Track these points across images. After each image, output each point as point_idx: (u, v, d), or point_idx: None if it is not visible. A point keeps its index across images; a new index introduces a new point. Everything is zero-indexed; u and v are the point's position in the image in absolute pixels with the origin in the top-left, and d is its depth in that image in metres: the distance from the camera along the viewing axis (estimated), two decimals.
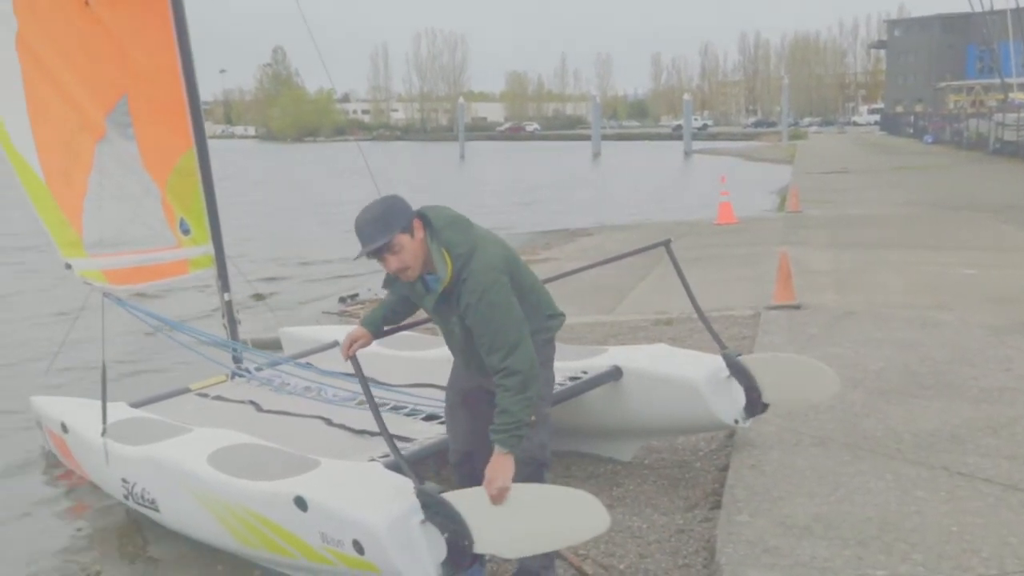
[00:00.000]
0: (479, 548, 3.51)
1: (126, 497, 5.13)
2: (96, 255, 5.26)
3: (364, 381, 3.93)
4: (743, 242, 14.19)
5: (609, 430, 5.36)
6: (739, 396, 4.96)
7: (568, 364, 5.35)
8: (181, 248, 5.92)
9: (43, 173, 5.31)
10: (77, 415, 5.69)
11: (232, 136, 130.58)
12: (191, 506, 4.59)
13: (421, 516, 3.63)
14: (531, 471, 3.67)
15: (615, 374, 5.20)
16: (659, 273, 11.31)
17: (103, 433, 5.20)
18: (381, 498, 3.74)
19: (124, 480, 5.11)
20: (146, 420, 5.44)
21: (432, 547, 3.63)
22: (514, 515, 3.48)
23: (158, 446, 4.89)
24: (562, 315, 3.90)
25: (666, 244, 5.36)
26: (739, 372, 4.92)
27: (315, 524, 3.91)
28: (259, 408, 5.70)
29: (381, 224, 3.43)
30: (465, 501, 3.54)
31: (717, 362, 5.11)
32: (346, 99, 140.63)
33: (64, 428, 5.78)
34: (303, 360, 6.35)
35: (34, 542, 5.22)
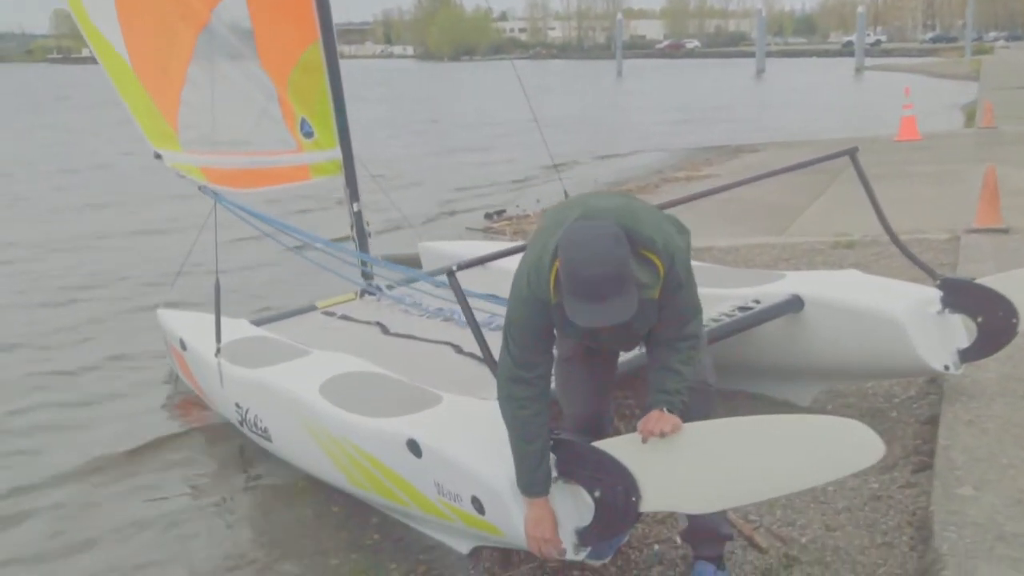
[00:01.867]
0: (649, 505, 2.82)
1: (240, 423, 4.69)
2: (194, 151, 4.72)
3: (466, 306, 3.33)
4: (930, 159, 12.75)
5: (785, 370, 4.53)
6: (954, 335, 4.05)
7: (737, 291, 4.54)
8: (303, 152, 5.35)
9: (130, 58, 4.80)
10: (196, 332, 5.28)
11: (391, 56, 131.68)
12: (302, 438, 4.09)
13: (554, 473, 2.96)
14: (703, 399, 2.95)
15: (794, 304, 4.35)
16: (836, 191, 10.21)
17: (217, 353, 4.75)
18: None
19: (238, 405, 4.67)
20: (264, 340, 4.97)
21: (573, 508, 2.98)
22: (694, 461, 2.76)
23: (271, 370, 4.40)
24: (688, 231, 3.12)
25: (851, 153, 4.43)
26: (975, 297, 3.99)
27: (430, 473, 3.30)
28: (385, 330, 5.15)
29: (623, 282, 2.53)
30: (623, 448, 2.84)
31: (925, 294, 4.19)
32: (503, 18, 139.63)
33: (183, 345, 5.39)
34: (441, 278, 5.74)
35: (145, 473, 4.86)
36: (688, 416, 2.75)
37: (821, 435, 2.66)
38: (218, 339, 4.76)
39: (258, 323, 5.44)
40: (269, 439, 4.46)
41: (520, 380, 2.87)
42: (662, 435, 2.70)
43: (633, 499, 2.82)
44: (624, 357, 3.32)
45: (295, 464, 4.35)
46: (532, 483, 2.88)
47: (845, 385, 4.68)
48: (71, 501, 4.56)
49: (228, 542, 4.08)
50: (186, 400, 5.67)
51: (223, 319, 5.45)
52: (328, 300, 5.80)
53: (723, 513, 3.09)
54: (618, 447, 2.86)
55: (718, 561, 3.09)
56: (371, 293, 5.80)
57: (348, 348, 4.60)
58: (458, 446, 3.22)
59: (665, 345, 2.82)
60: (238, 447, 4.89)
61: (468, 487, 3.14)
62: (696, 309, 2.84)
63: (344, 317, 5.50)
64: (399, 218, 7.74)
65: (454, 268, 3.50)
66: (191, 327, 5.42)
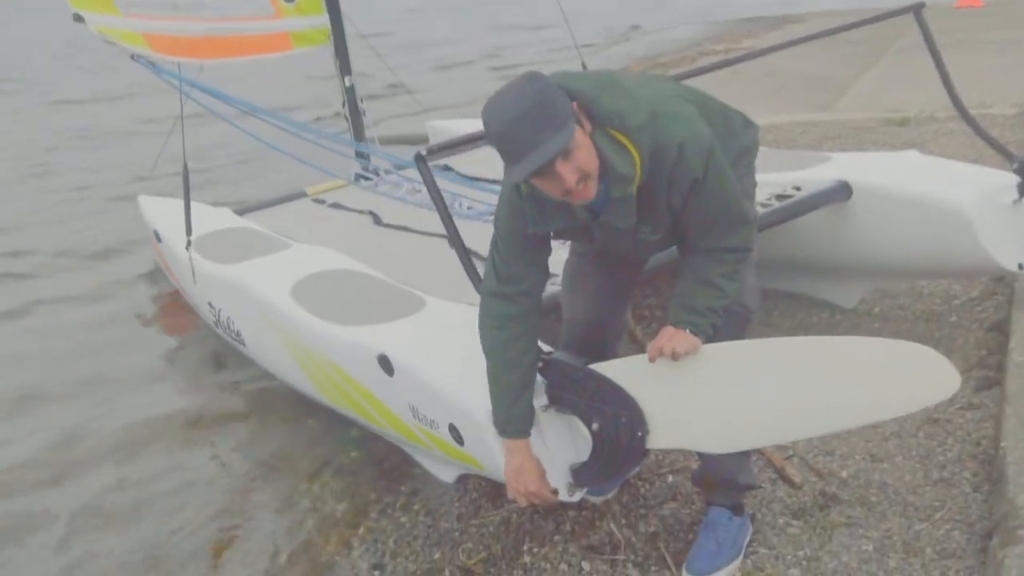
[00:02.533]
0: (658, 441, 2.32)
1: (216, 324, 4.23)
2: (136, 15, 4.09)
3: (437, 194, 2.82)
4: (993, 27, 11.69)
5: (828, 267, 3.95)
6: None
7: (776, 176, 3.92)
8: (281, 18, 4.71)
9: None
10: (174, 222, 4.77)
11: None
12: (274, 345, 3.61)
13: (544, 401, 2.45)
14: (737, 324, 2.37)
15: (841, 192, 3.73)
16: (889, 63, 9.36)
17: (188, 246, 4.25)
18: None
19: (211, 305, 4.20)
20: (243, 231, 4.46)
21: (568, 441, 2.49)
22: (716, 389, 2.21)
23: (244, 266, 3.90)
24: (756, 126, 2.51)
25: (916, 10, 3.71)
26: None
27: (403, 394, 2.81)
28: (378, 220, 4.61)
29: (546, 118, 1.95)
30: (629, 372, 2.31)
31: (997, 180, 3.55)
32: None
33: (158, 237, 4.91)
34: (441, 162, 5.17)
35: (108, 382, 4.44)
36: (717, 340, 2.20)
37: (879, 362, 2.09)
38: (188, 231, 4.24)
39: (241, 212, 4.92)
40: (243, 343, 3.99)
41: (502, 296, 2.34)
42: (674, 356, 2.15)
43: (639, 434, 2.31)
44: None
45: (270, 371, 3.90)
46: (509, 420, 2.37)
47: (896, 284, 4.09)
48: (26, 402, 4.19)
49: (186, 459, 3.65)
50: (167, 296, 5.22)
51: (202, 208, 4.97)
52: (319, 186, 5.24)
53: (746, 456, 2.57)
54: (622, 370, 2.33)
55: (736, 508, 2.59)
56: (366, 179, 5.24)
57: (335, 240, 4.09)
58: (435, 365, 2.71)
59: (705, 253, 2.23)
60: (212, 351, 4.44)
61: (444, 413, 2.65)
62: (743, 218, 2.22)
63: (335, 205, 4.96)
64: (402, 91, 7.08)
65: (422, 152, 2.93)
66: (168, 217, 4.92)
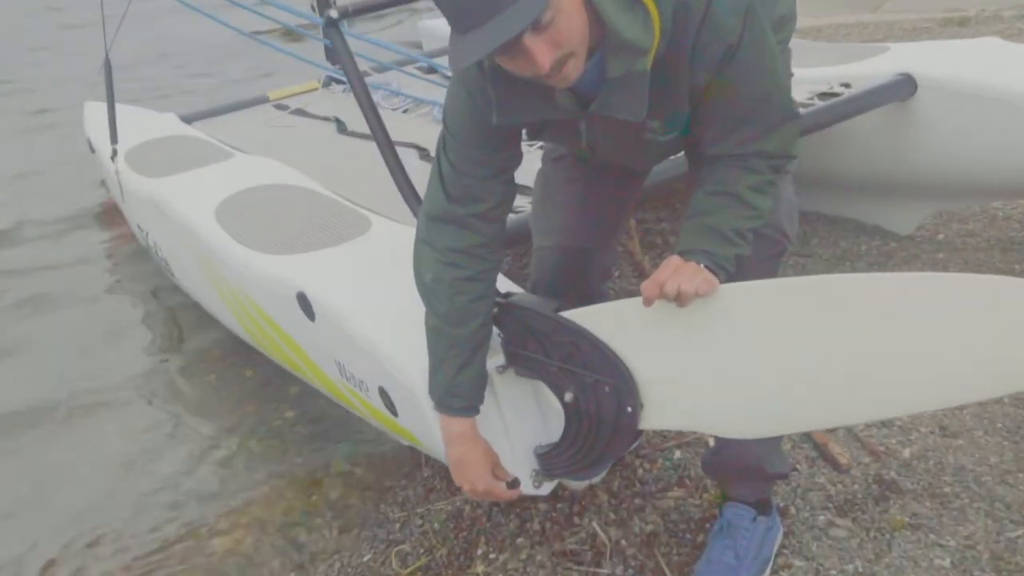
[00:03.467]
0: (655, 420, 1.64)
1: (147, 250, 3.59)
2: None
3: (351, 64, 2.12)
4: None
5: (882, 183, 3.20)
6: None
7: (818, 72, 3.18)
8: None
9: None
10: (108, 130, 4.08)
11: None
12: (199, 275, 2.96)
13: (500, 360, 1.78)
14: (769, 256, 1.66)
15: (902, 88, 2.96)
16: None
17: (112, 156, 3.59)
18: None
19: (139, 227, 3.55)
20: (183, 140, 3.77)
21: (533, 417, 1.83)
22: (737, 348, 1.50)
23: (169, 181, 3.22)
24: None
25: None
26: None
27: (327, 345, 2.15)
28: (342, 128, 3.89)
29: None
30: (618, 321, 1.61)
31: None
32: None
33: (91, 146, 4.23)
34: (431, 61, 4.43)
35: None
36: (741, 278, 1.49)
37: (981, 307, 1.38)
38: (113, 138, 3.58)
39: (189, 119, 4.21)
40: (172, 273, 3.35)
41: (452, 220, 1.65)
42: (681, 298, 1.44)
43: (628, 409, 1.62)
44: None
45: (203, 307, 3.25)
46: (452, 393, 1.69)
47: (965, 206, 3.35)
48: None
49: (104, 411, 3.02)
50: (107, 215, 4.57)
51: (142, 114, 4.30)
52: (283, 90, 4.52)
53: (777, 440, 1.90)
54: (608, 319, 1.63)
55: (761, 504, 1.92)
56: (338, 81, 4.50)
57: (288, 150, 3.40)
58: (362, 309, 2.03)
59: (731, 159, 1.52)
60: (152, 285, 3.78)
61: (373, 373, 1.98)
62: (786, 110, 1.52)
63: (299, 111, 4.24)
64: None
65: (333, 15, 2.22)
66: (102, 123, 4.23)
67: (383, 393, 1.95)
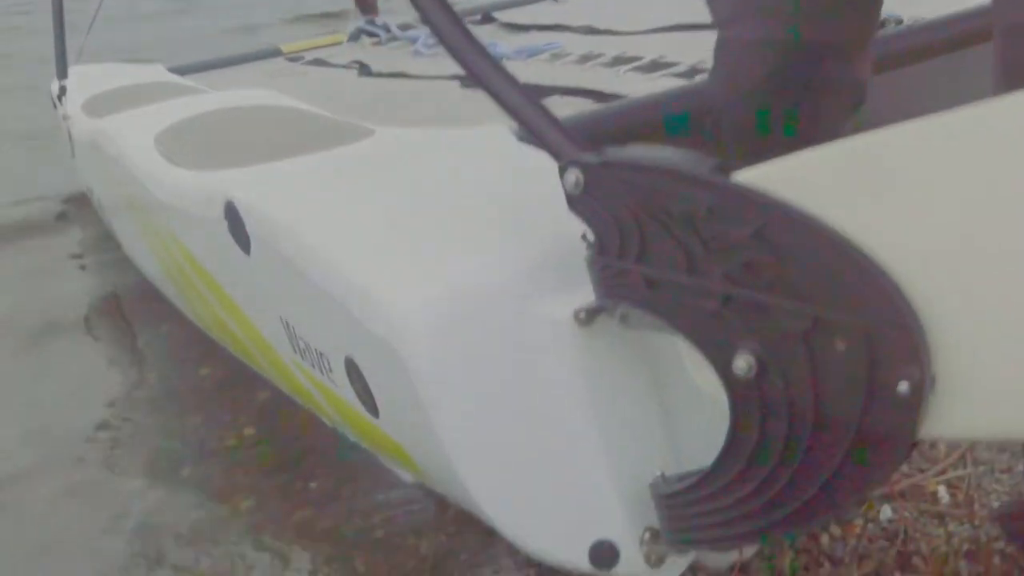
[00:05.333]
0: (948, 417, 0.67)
1: (99, 214, 2.74)
2: None
3: None
4: None
5: None
6: None
7: None
8: None
9: None
10: (77, 82, 3.24)
11: None
12: (129, 226, 2.11)
13: (585, 298, 0.82)
14: None
15: None
16: None
17: (59, 95, 2.76)
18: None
19: (88, 187, 2.73)
20: (159, 87, 2.91)
21: (636, 430, 0.87)
22: None
23: (119, 117, 2.35)
24: None
25: None
26: None
27: (269, 293, 1.22)
28: (366, 71, 3.00)
29: None
30: (874, 174, 0.65)
31: None
32: None
33: (53, 102, 3.40)
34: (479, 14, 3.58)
35: None
36: None
37: None
38: (61, 72, 2.75)
39: (183, 71, 3.35)
40: (113, 227, 2.49)
41: None
42: None
43: (901, 386, 0.67)
44: None
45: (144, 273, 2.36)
46: None
47: None
48: None
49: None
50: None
51: (122, 67, 3.48)
52: (300, 43, 3.67)
53: None
54: (854, 174, 0.68)
55: None
56: (371, 34, 3.62)
57: (290, 92, 2.52)
58: (326, 229, 1.09)
59: None
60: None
61: (337, 336, 1.04)
62: None
63: (315, 62, 3.37)
64: None
65: None
66: (77, 77, 3.40)
67: (351, 368, 1.01)
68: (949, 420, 0.68)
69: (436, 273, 0.91)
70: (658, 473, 0.87)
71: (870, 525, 1.24)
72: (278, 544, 1.50)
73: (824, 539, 1.22)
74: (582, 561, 0.87)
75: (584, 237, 0.82)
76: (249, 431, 1.87)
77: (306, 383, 1.21)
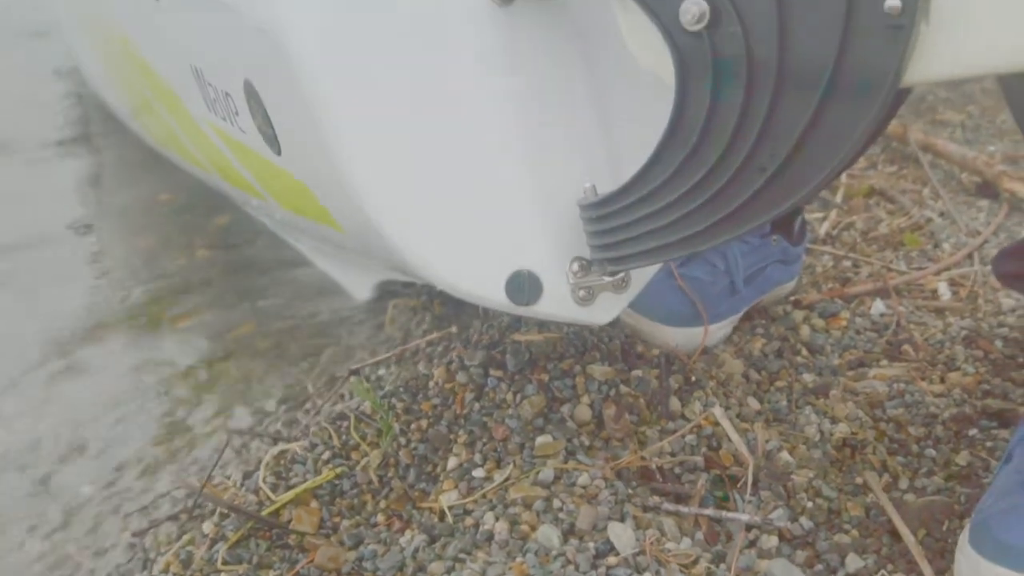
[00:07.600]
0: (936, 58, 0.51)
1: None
2: None
3: None
4: None
5: None
6: None
7: None
8: None
9: None
10: None
11: None
12: (84, 39, 1.95)
13: None
14: None
15: None
16: None
17: None
18: None
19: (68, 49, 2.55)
20: None
21: (559, 117, 0.70)
22: None
23: None
24: None
25: None
26: None
27: (177, 34, 1.06)
28: None
29: None
30: None
31: None
32: None
33: None
34: None
35: None
36: None
37: None
38: None
39: None
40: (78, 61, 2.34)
41: None
42: None
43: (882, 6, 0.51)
44: None
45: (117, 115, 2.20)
46: None
47: None
48: None
49: None
50: None
51: None
52: None
53: None
54: None
55: None
56: None
57: None
58: None
59: None
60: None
61: (236, 59, 0.89)
62: None
63: None
64: None
65: None
66: None
67: (251, 96, 0.86)
68: (941, 53, 0.52)
69: None
70: (588, 185, 0.72)
71: (858, 319, 1.10)
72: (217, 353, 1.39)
73: (804, 330, 1.07)
74: (498, 294, 0.73)
75: None
76: (203, 252, 1.75)
77: (220, 144, 1.06)
